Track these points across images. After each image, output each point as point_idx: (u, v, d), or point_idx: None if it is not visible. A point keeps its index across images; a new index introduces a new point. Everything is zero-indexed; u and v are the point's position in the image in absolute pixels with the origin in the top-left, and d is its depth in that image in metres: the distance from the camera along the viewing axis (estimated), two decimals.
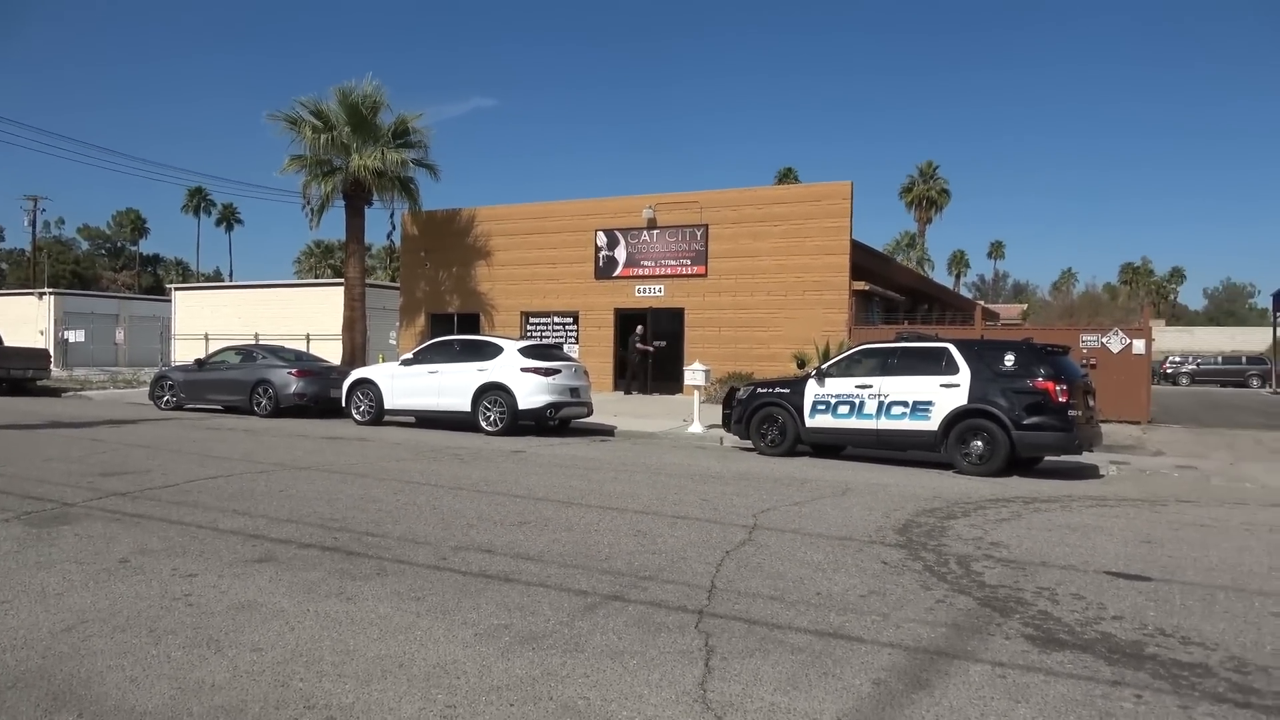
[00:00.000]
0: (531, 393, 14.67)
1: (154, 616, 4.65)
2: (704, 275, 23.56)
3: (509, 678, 3.89)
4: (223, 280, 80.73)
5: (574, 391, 15.26)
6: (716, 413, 15.25)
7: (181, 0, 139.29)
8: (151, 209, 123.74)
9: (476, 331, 24.88)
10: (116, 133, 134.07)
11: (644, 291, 24.37)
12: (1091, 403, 11.71)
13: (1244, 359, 44.51)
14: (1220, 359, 45.21)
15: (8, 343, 25.00)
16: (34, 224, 65.44)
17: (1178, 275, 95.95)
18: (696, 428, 14.89)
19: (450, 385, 15.28)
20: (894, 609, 5.03)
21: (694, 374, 15.49)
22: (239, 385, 18.13)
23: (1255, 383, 41.08)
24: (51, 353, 29.51)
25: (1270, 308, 44.62)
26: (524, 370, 14.79)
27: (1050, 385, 10.80)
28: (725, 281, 23.31)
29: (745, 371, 20.70)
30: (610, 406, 18.95)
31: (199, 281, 74.25)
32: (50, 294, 40.30)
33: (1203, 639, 4.59)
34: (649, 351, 23.73)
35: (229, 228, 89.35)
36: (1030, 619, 4.88)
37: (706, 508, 8.16)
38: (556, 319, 25.70)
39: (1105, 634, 4.64)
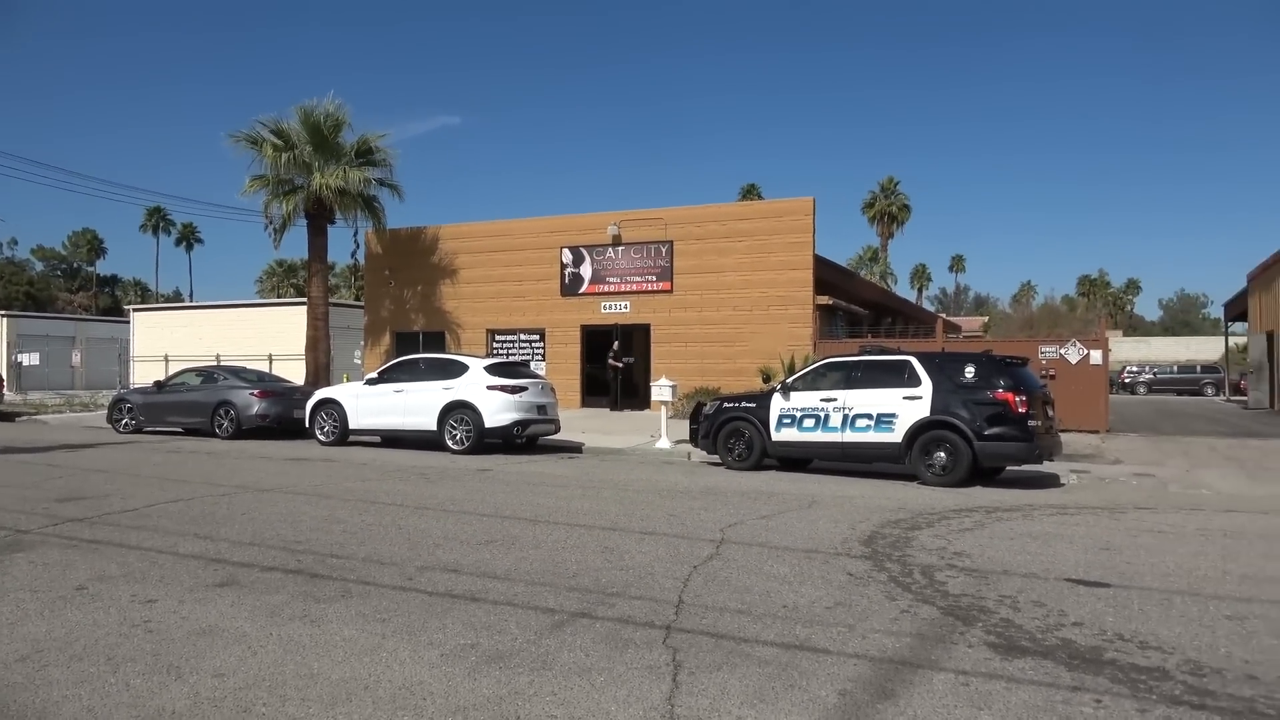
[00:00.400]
0: (498, 411, 14.61)
1: (112, 644, 4.56)
2: (670, 291, 23.67)
3: (476, 697, 3.87)
4: (183, 301, 79.62)
5: (541, 409, 15.22)
6: (684, 428, 15.29)
7: (141, 20, 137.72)
8: (109, 229, 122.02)
9: (442, 350, 24.75)
10: (74, 154, 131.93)
11: (610, 308, 24.42)
12: (1051, 413, 11.92)
13: (1199, 368, 45.47)
14: (1176, 368, 46.14)
15: None
16: None
17: (1133, 287, 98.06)
18: (664, 443, 14.91)
19: (416, 404, 15.18)
20: (859, 620, 5.08)
21: (661, 389, 15.53)
22: (200, 407, 17.86)
23: (1210, 391, 41.97)
24: (4, 376, 28.89)
25: (1222, 317, 45.71)
26: (490, 388, 14.74)
27: (1010, 396, 10.98)
28: (691, 297, 23.42)
29: (712, 386, 20.78)
30: (578, 423, 18.92)
31: (158, 302, 73.09)
32: (3, 316, 39.44)
33: (1160, 643, 4.68)
34: (618, 368, 23.78)
35: (189, 247, 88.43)
36: (992, 627, 4.95)
37: (674, 523, 8.18)
38: (523, 336, 25.64)
39: (1066, 640, 4.72)
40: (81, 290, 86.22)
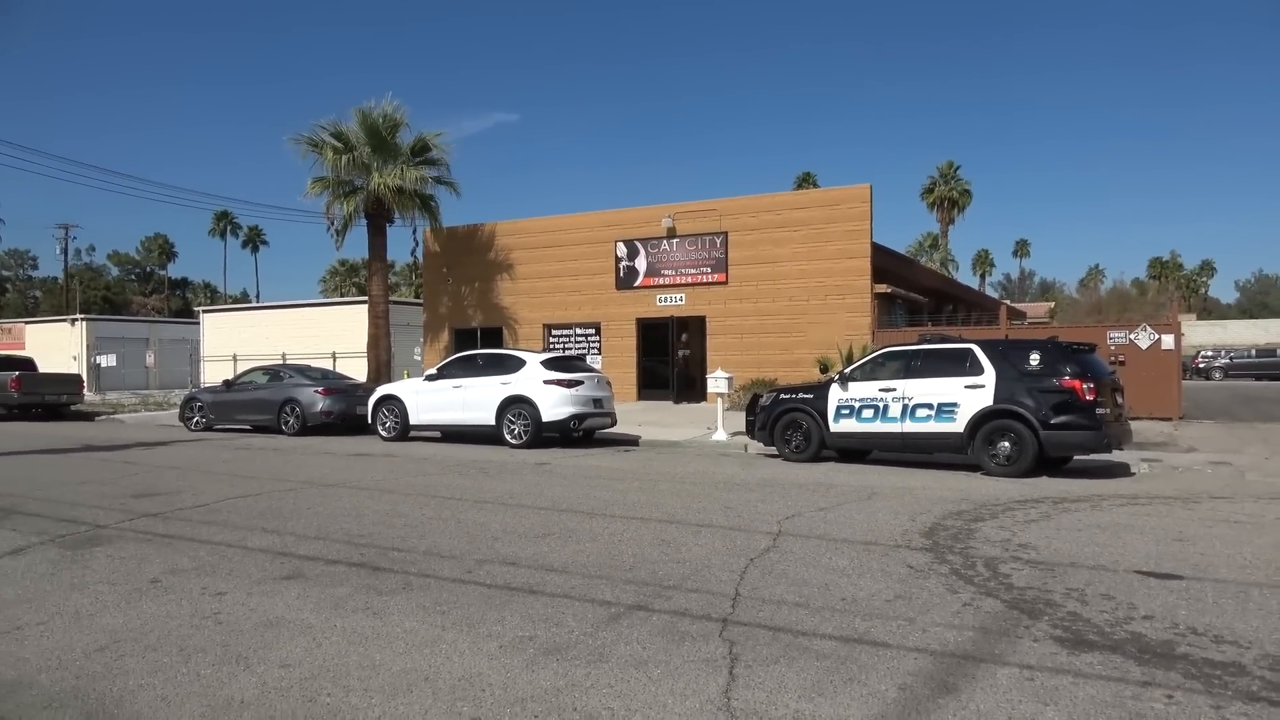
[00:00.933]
0: (555, 405, 14.72)
1: (184, 635, 4.71)
2: (725, 283, 23.55)
3: (534, 689, 3.90)
4: (249, 301, 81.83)
5: (597, 402, 15.29)
6: (740, 420, 15.22)
7: (199, 20, 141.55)
8: (179, 233, 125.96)
9: (499, 345, 25.01)
10: (142, 159, 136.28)
11: (665, 301, 24.39)
12: (1120, 400, 11.57)
13: (1279, 351, 43.69)
14: (1254, 352, 44.39)
15: (41, 369, 25.49)
16: (65, 252, 66.89)
17: (1208, 268, 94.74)
18: (720, 435, 14.86)
19: (474, 399, 15.37)
20: (920, 613, 4.99)
21: (717, 381, 15.48)
22: (266, 405, 18.33)
23: None
24: (84, 378, 30.03)
25: None
26: (547, 382, 14.84)
27: (1077, 384, 10.68)
28: (746, 288, 23.27)
29: (768, 378, 20.64)
30: (634, 416, 18.96)
31: (226, 303, 75.28)
32: (82, 320, 41.03)
33: (1236, 637, 4.52)
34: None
35: (255, 249, 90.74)
36: (1059, 620, 4.83)
37: (731, 515, 8.15)
38: (579, 330, 25.77)
39: (1135, 634, 4.58)
40: (154, 293, 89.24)
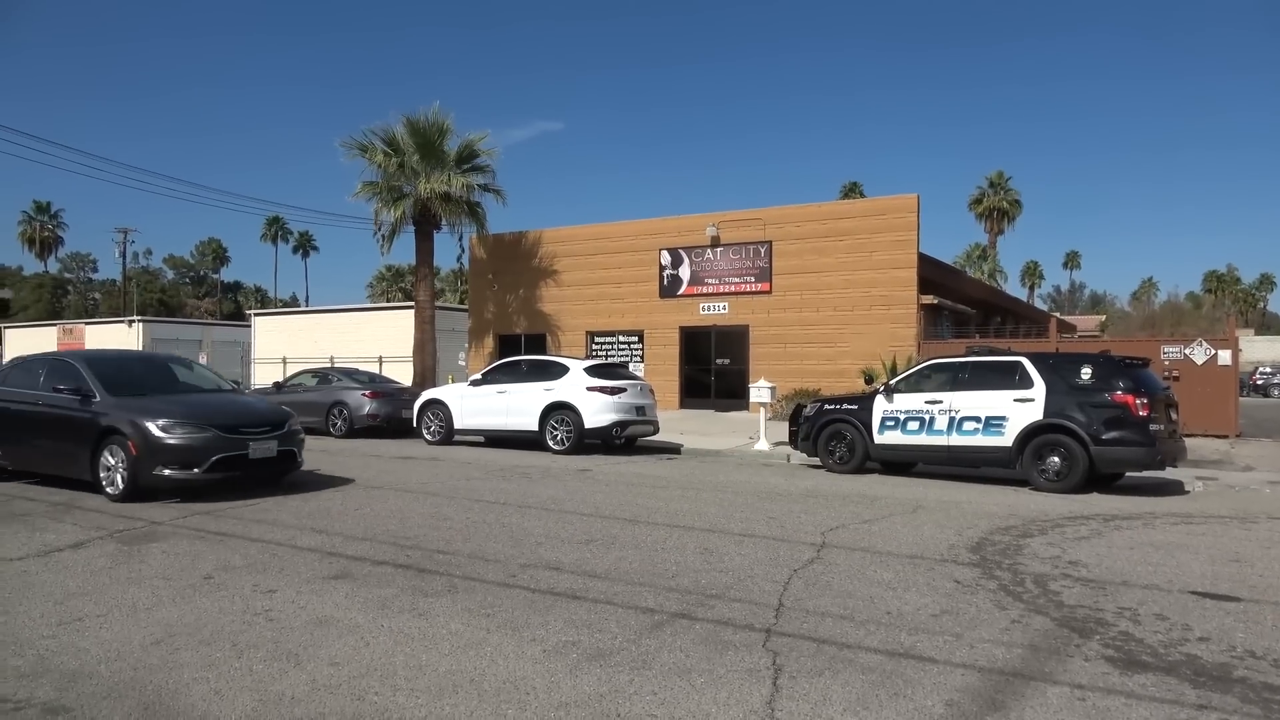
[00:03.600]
0: (597, 411, 14.77)
1: (236, 631, 4.81)
2: (768, 292, 23.46)
3: (577, 694, 3.93)
4: (299, 305, 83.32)
5: (640, 410, 15.31)
6: (782, 430, 15.13)
7: (248, 24, 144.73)
8: (231, 237, 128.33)
9: (543, 352, 25.16)
10: (197, 163, 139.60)
11: (709, 309, 24.37)
12: (1174, 416, 11.30)
13: None
14: None
15: None
16: (124, 255, 68.62)
17: (1267, 282, 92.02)
18: (763, 445, 14.80)
19: (518, 405, 15.48)
20: (967, 629, 4.93)
21: (759, 391, 15.41)
22: (315, 407, 18.64)
23: None
24: None
25: None
26: (590, 389, 14.90)
27: (1130, 399, 10.46)
28: (790, 298, 23.16)
29: (811, 388, 20.49)
30: (676, 424, 18.95)
31: (277, 307, 76.77)
32: (139, 322, 42.14)
33: None
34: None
35: (305, 254, 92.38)
36: (1111, 640, 4.74)
37: (774, 525, 8.11)
38: (622, 338, 25.85)
39: (1190, 656, 4.48)
40: (207, 296, 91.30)
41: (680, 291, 24.78)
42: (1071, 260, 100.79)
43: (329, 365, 25.43)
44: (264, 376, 32.97)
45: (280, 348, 35.20)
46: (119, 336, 40.94)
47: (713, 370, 24.34)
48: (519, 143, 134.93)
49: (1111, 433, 10.45)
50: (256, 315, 40.39)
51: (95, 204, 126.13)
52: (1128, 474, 11.26)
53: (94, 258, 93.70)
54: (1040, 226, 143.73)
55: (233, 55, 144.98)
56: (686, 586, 5.81)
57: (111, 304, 75.98)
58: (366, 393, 18.32)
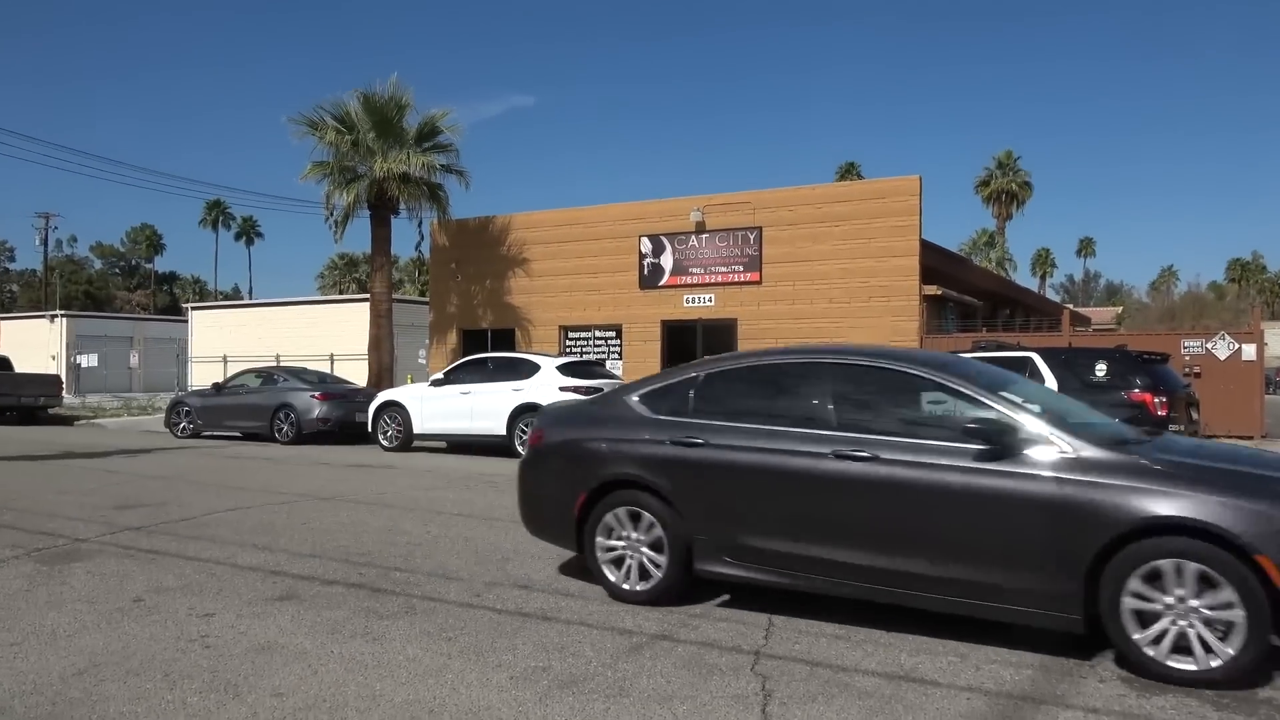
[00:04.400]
0: None
1: (169, 659, 4.75)
2: (758, 282, 23.50)
3: None
4: (242, 298, 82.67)
5: None
6: None
7: (196, 4, 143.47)
8: (168, 224, 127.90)
9: (512, 348, 25.06)
10: (130, 146, 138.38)
11: (693, 301, 24.39)
12: (1195, 415, 11.45)
13: None
14: None
15: (18, 369, 25.87)
16: (45, 243, 67.85)
17: None
18: None
19: (484, 407, 15.44)
20: (972, 649, 4.95)
21: None
22: (259, 410, 18.51)
23: None
24: (63, 379, 30.42)
25: None
26: (563, 389, 14.87)
27: (1148, 397, 10.58)
28: (782, 288, 23.21)
29: None
30: None
31: (217, 300, 76.11)
32: (62, 316, 41.63)
33: None
34: None
35: (249, 242, 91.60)
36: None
37: None
38: (598, 333, 25.82)
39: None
40: (140, 288, 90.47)
41: (662, 282, 24.77)
42: (1086, 247, 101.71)
43: (275, 364, 25.22)
44: (202, 377, 32.66)
45: (220, 345, 34.91)
46: (39, 333, 40.46)
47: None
48: (486, 119, 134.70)
49: None
50: (194, 309, 40.06)
51: (12, 187, 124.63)
52: None
53: (10, 246, 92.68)
54: (1052, 211, 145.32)
55: (173, 32, 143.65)
56: (669, 605, 5.80)
57: (31, 297, 75.15)
58: (316, 394, 18.20)
